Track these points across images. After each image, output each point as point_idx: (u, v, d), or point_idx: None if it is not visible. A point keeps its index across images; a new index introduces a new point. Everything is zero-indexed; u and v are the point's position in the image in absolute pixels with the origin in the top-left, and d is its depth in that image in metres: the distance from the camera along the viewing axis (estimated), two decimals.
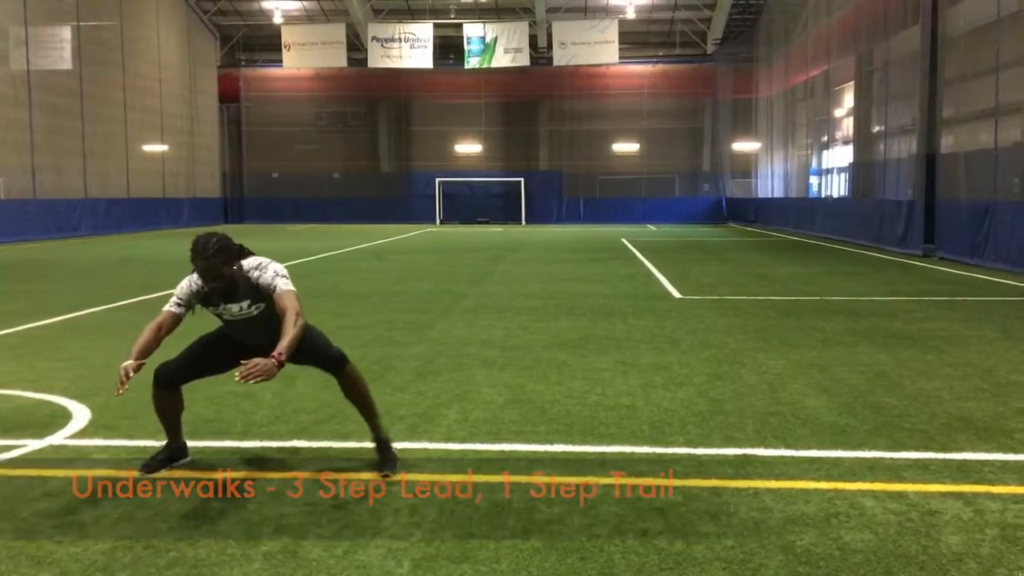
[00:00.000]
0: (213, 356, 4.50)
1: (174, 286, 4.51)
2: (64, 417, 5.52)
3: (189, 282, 4.36)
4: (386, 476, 4.33)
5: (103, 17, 31.71)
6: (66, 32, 29.31)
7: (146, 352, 4.20)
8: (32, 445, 4.90)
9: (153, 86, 35.29)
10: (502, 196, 42.12)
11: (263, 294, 4.31)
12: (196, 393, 6.16)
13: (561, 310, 10.57)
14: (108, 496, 4.11)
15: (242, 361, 3.84)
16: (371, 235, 29.04)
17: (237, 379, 3.79)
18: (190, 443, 4.95)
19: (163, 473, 4.43)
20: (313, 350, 4.39)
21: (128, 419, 5.48)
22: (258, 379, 3.77)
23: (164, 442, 4.57)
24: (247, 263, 4.32)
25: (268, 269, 4.31)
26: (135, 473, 4.39)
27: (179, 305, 4.33)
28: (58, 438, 5.06)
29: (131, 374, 4.03)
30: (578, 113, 42.06)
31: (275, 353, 3.91)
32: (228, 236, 4.29)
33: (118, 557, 3.44)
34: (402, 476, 4.35)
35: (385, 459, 4.46)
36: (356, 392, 4.51)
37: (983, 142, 18.18)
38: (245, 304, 4.33)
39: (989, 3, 17.45)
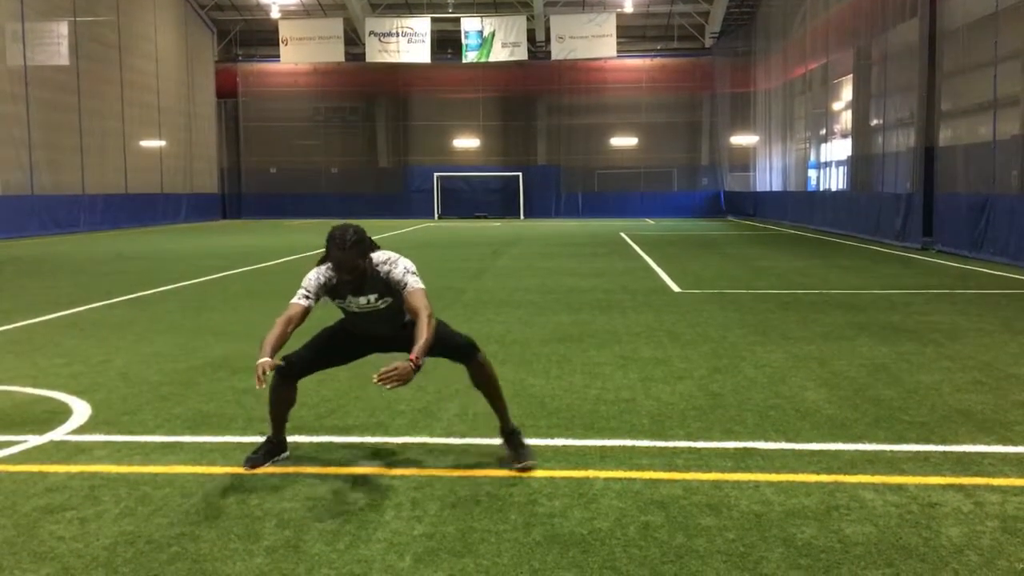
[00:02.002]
0: (337, 348, 4.53)
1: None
2: (64, 413, 5.52)
3: (317, 274, 4.33)
4: (524, 470, 4.28)
5: (99, 12, 31.64)
6: (63, 28, 29.22)
7: (278, 347, 4.18)
8: (33, 441, 4.90)
9: (150, 82, 35.23)
10: (500, 191, 42.09)
11: (392, 289, 4.29)
12: (196, 388, 6.18)
13: (560, 304, 10.57)
14: (109, 491, 4.11)
15: (382, 370, 3.84)
16: (370, 230, 28.90)
17: (375, 382, 3.81)
18: (189, 438, 4.96)
19: (165, 468, 4.43)
20: (441, 342, 4.30)
21: (128, 415, 5.48)
22: (396, 384, 3.81)
23: (254, 438, 4.56)
24: (376, 256, 4.29)
25: (399, 264, 4.29)
26: (242, 470, 4.36)
27: (307, 297, 4.30)
28: (59, 434, 5.06)
29: (267, 372, 4.00)
30: (576, 107, 42.02)
31: (412, 356, 3.92)
32: (363, 229, 4.29)
33: (119, 552, 3.44)
34: (519, 473, 4.29)
35: (518, 453, 4.39)
36: (486, 381, 4.47)
37: (981, 135, 18.17)
38: (372, 297, 4.33)
39: None
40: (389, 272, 4.26)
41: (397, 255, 4.35)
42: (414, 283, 4.24)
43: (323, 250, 4.29)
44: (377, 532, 3.62)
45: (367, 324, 4.46)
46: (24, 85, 27.07)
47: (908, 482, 4.18)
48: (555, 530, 3.63)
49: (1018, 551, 3.41)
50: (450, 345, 4.37)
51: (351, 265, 4.17)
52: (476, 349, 4.41)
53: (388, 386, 3.82)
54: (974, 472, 4.33)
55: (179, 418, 5.40)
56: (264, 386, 4.01)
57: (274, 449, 4.51)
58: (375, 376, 3.83)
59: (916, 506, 3.87)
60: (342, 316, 4.59)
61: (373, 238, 4.37)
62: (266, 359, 4.04)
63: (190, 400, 5.85)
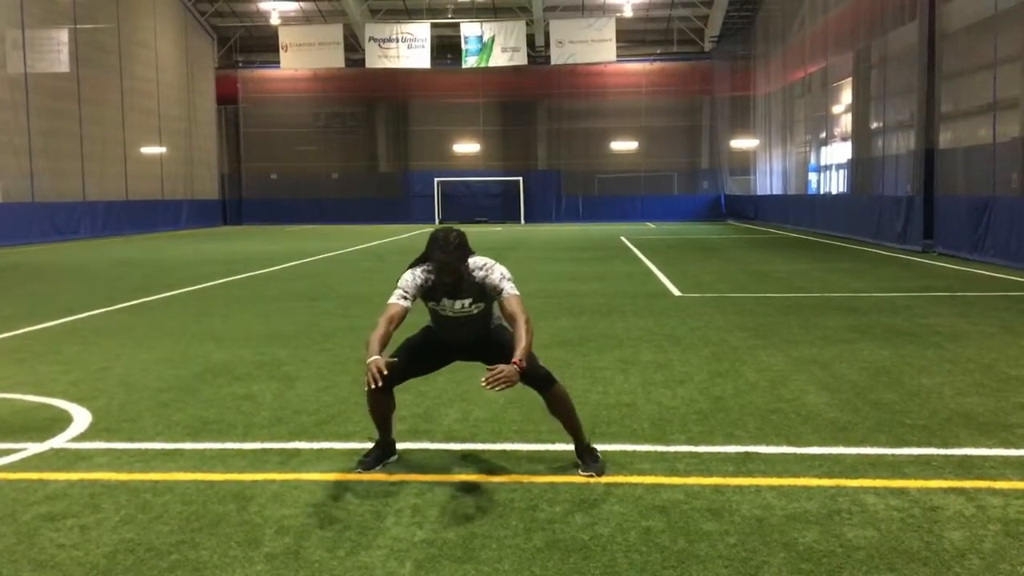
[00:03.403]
0: (426, 356, 4.55)
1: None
2: (65, 420, 5.52)
3: (414, 275, 4.34)
4: (591, 476, 4.30)
5: (100, 20, 31.68)
6: (63, 35, 29.27)
7: (384, 345, 4.18)
8: (33, 448, 4.90)
9: (150, 88, 35.27)
10: (501, 195, 42.12)
11: (486, 294, 4.32)
12: (197, 395, 6.17)
13: (561, 309, 10.57)
14: (109, 499, 4.10)
15: (488, 373, 3.87)
16: (370, 235, 29.02)
17: (483, 385, 3.84)
18: (190, 445, 4.95)
19: (165, 475, 4.43)
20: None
21: (129, 422, 5.47)
22: (504, 386, 3.85)
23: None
24: (472, 262, 4.30)
25: (495, 270, 4.30)
26: (358, 474, 4.39)
27: (405, 298, 4.30)
28: (59, 441, 5.05)
29: (381, 369, 3.95)
30: (576, 112, 42.05)
31: (515, 360, 3.96)
32: (464, 232, 4.31)
33: (119, 560, 3.43)
34: (600, 477, 4.31)
35: (589, 466, 4.37)
36: (562, 410, 4.47)
37: (981, 137, 18.17)
38: (467, 302, 4.34)
39: None
40: (485, 277, 4.28)
41: (493, 261, 4.36)
42: (510, 289, 4.27)
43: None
44: (378, 539, 3.62)
45: (456, 329, 4.47)
46: (25, 92, 27.10)
47: (910, 486, 4.17)
48: (556, 536, 3.62)
49: (1020, 554, 3.40)
50: (529, 372, 4.31)
51: (453, 268, 4.20)
52: (553, 380, 4.42)
53: (497, 388, 3.86)
54: (976, 475, 4.32)
55: (179, 425, 5.39)
56: (377, 386, 3.94)
57: (384, 452, 4.55)
58: (483, 380, 3.87)
59: (918, 510, 3.86)
60: (427, 324, 4.61)
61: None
62: (377, 357, 4.01)
63: (190, 407, 5.85)
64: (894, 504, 3.93)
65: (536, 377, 4.36)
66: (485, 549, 3.50)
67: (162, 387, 6.45)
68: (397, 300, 4.29)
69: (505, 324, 4.42)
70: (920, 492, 4.09)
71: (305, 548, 3.53)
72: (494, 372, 3.87)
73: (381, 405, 4.45)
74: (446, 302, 4.35)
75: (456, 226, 4.47)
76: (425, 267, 4.31)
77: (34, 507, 4.01)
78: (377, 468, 4.47)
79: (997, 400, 5.81)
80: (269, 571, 3.32)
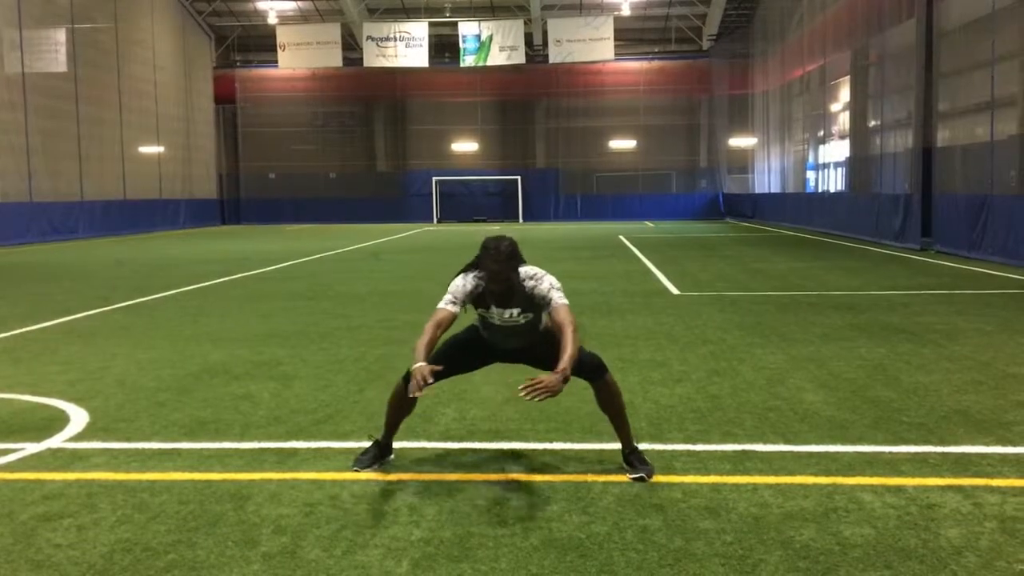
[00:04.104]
0: (469, 356, 4.54)
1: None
2: (62, 420, 5.51)
3: (465, 281, 4.34)
4: (639, 479, 4.26)
5: (97, 19, 31.65)
6: (60, 35, 29.25)
7: (431, 351, 4.17)
8: (30, 448, 4.89)
9: (148, 88, 35.24)
10: (499, 194, 42.11)
11: (535, 304, 4.31)
12: (194, 395, 6.17)
13: None
14: (106, 499, 4.10)
15: (528, 382, 3.85)
16: (368, 235, 29.01)
17: (520, 394, 3.82)
18: (187, 445, 4.95)
19: (162, 475, 4.42)
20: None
21: (126, 422, 5.47)
22: (545, 396, 3.82)
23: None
24: (523, 271, 4.31)
25: (544, 280, 4.30)
26: (354, 472, 4.41)
27: (454, 303, 4.29)
28: (56, 441, 5.05)
29: (427, 377, 3.93)
30: (574, 110, 42.04)
31: (560, 369, 3.93)
32: (515, 241, 4.32)
33: (116, 560, 3.43)
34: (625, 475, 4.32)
35: (639, 469, 4.32)
36: (612, 402, 4.45)
37: (979, 135, 18.17)
38: (515, 311, 4.34)
39: None
40: (535, 287, 4.28)
41: (543, 271, 4.36)
42: (559, 299, 4.26)
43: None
44: (375, 538, 3.62)
45: (502, 336, 4.48)
46: (22, 92, 27.08)
47: (907, 483, 4.18)
48: (553, 534, 3.62)
49: (1017, 552, 3.41)
50: (581, 363, 4.30)
51: (504, 276, 4.21)
52: (605, 369, 4.40)
53: (539, 399, 3.82)
54: (973, 473, 4.33)
55: (176, 425, 5.39)
56: (422, 393, 3.94)
57: (382, 452, 4.55)
58: (521, 389, 3.84)
59: (915, 507, 3.86)
60: (473, 323, 4.61)
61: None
62: (423, 364, 4.00)
63: (187, 407, 5.84)
64: (891, 502, 3.93)
65: (587, 365, 4.34)
66: (482, 548, 3.50)
67: (159, 387, 6.45)
68: (446, 305, 4.28)
69: (550, 330, 4.42)
70: (917, 490, 4.09)
71: (302, 547, 3.53)
72: (534, 382, 3.84)
73: (404, 408, 4.47)
74: (495, 310, 4.36)
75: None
76: (476, 273, 4.32)
77: (31, 507, 4.01)
78: (373, 467, 4.48)
79: (994, 398, 5.81)
80: (266, 570, 3.32)
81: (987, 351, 7.44)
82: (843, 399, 5.82)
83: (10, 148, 26.64)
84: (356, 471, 4.42)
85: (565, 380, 3.91)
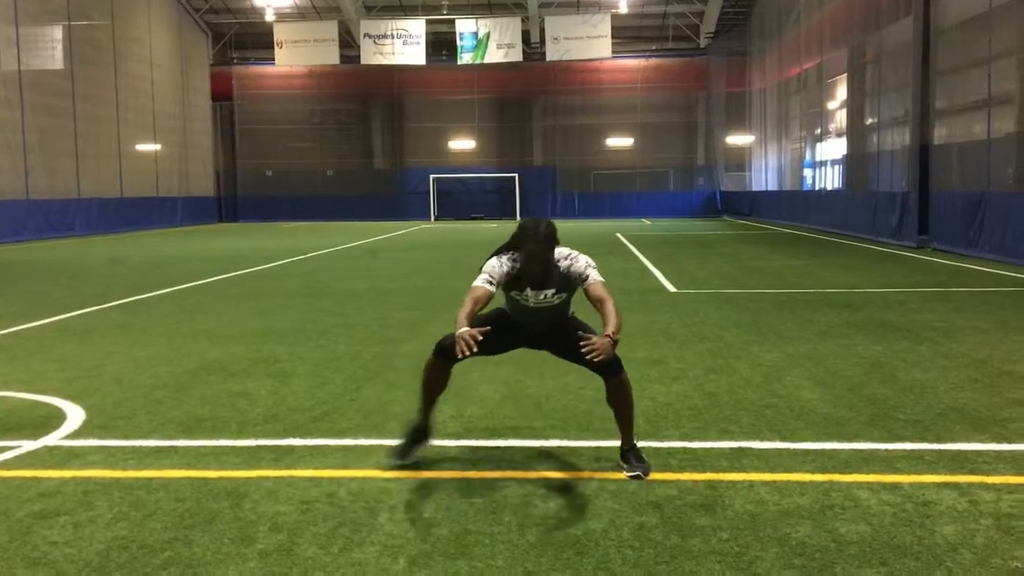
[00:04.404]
0: (500, 336, 4.44)
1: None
2: (58, 418, 5.51)
3: (500, 262, 4.32)
4: (636, 477, 4.27)
5: (94, 17, 31.59)
6: (57, 32, 29.21)
7: (472, 322, 4.13)
8: (27, 446, 4.89)
9: (145, 85, 35.19)
10: (496, 192, 42.10)
11: (570, 284, 4.35)
12: (190, 392, 6.17)
13: None
14: (103, 496, 4.10)
15: (589, 340, 3.92)
16: (366, 232, 29.00)
17: (581, 346, 3.90)
18: (183, 442, 4.95)
19: (159, 473, 4.42)
20: None
21: (122, 419, 5.47)
22: (602, 356, 3.89)
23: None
24: (557, 252, 4.32)
25: (579, 259, 4.34)
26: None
27: (490, 283, 4.27)
28: (52, 439, 5.04)
29: (479, 337, 3.89)
30: (572, 108, 42.03)
31: (610, 332, 4.00)
32: (553, 223, 4.32)
33: (113, 557, 3.43)
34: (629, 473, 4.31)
35: (635, 466, 4.32)
36: (621, 402, 4.45)
37: (976, 133, 18.20)
38: (550, 292, 4.36)
39: None
40: (570, 267, 4.32)
41: (577, 251, 4.38)
42: (595, 276, 4.32)
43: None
44: (371, 535, 3.62)
45: (533, 318, 4.49)
46: (19, 89, 27.03)
47: (903, 481, 4.18)
48: (549, 532, 3.63)
49: (1012, 549, 3.41)
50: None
51: (542, 257, 4.21)
52: (621, 368, 4.39)
53: (597, 358, 3.90)
54: (969, 470, 4.33)
55: (173, 422, 5.39)
56: (469, 354, 3.90)
57: (420, 437, 4.53)
58: (582, 343, 3.91)
59: (911, 505, 3.87)
60: (501, 307, 4.59)
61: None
62: (466, 328, 3.96)
63: (184, 404, 5.84)
64: (887, 499, 3.94)
65: (607, 362, 4.34)
66: (478, 545, 3.50)
67: (156, 384, 6.44)
68: (483, 284, 4.26)
69: (577, 317, 4.56)
70: (913, 487, 4.10)
71: (299, 545, 3.53)
72: (592, 342, 3.90)
73: (441, 381, 4.43)
74: (529, 292, 4.35)
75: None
76: (511, 255, 4.30)
77: (27, 504, 4.01)
78: (415, 454, 4.45)
79: (990, 395, 5.82)
80: (262, 568, 3.32)
81: (983, 349, 7.46)
82: (839, 396, 5.83)
83: (7, 145, 26.60)
84: (398, 461, 4.41)
85: (614, 344, 3.97)
